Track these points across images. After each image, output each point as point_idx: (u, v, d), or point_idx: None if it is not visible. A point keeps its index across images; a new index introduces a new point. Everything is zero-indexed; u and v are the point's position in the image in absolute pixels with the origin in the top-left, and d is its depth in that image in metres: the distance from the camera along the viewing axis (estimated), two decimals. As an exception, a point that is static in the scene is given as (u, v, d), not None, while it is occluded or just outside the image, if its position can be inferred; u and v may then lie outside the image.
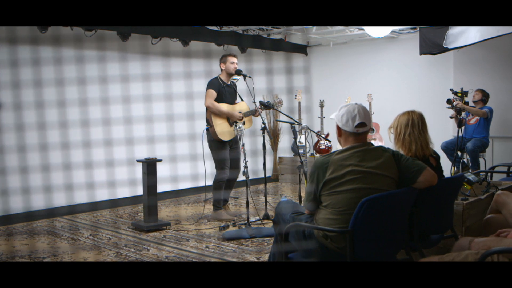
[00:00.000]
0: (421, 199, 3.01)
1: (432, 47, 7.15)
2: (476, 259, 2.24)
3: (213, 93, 5.48)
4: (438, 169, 3.23)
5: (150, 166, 5.31)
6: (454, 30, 6.76)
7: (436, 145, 6.99)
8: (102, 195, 6.65)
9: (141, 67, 7.36)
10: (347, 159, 2.71)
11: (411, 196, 2.82)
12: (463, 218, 3.66)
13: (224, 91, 5.59)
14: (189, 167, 6.85)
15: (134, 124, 7.27)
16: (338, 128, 2.85)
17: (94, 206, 6.49)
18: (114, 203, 6.67)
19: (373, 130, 8.03)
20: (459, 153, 6.91)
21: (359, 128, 2.77)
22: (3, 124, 5.98)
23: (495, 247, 2.31)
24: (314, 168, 2.77)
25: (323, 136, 7.93)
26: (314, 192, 2.77)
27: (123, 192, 6.70)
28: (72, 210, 6.26)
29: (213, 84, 5.54)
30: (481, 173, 5.38)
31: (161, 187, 7.05)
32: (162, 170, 6.94)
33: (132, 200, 6.63)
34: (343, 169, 2.68)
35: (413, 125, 3.12)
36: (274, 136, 8.79)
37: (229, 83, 5.69)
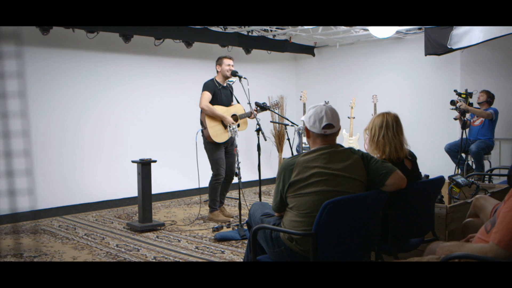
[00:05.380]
0: (396, 201, 2.96)
1: (437, 47, 7.05)
2: (436, 264, 2.19)
3: (208, 95, 5.47)
4: (414, 171, 3.18)
5: (144, 166, 5.34)
6: (459, 31, 6.66)
7: (441, 146, 6.96)
8: (104, 194, 6.73)
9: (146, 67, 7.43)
10: (313, 161, 2.67)
11: (381, 199, 2.77)
12: (447, 222, 3.59)
13: (219, 93, 5.58)
14: (190, 167, 6.87)
15: (136, 124, 7.34)
16: (307, 130, 2.81)
17: (96, 206, 6.55)
18: (115, 203, 6.72)
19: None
20: (463, 155, 6.80)
21: (326, 129, 2.73)
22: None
23: (456, 252, 2.26)
24: (280, 169, 2.75)
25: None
26: (281, 194, 2.75)
27: (124, 192, 6.76)
28: (72, 209, 6.33)
29: (208, 86, 5.54)
30: (475, 176, 5.29)
31: (162, 188, 7.11)
32: (163, 170, 6.99)
33: (133, 200, 6.66)
34: (308, 171, 2.65)
35: (387, 127, 3.06)
36: (279, 137, 8.76)
37: (225, 85, 5.67)
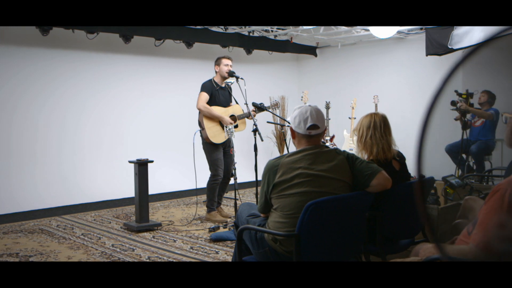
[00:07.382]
0: (384, 202, 2.95)
1: (438, 47, 7.01)
2: (417, 266, 2.18)
3: (205, 95, 5.47)
4: (403, 172, 3.16)
5: (141, 167, 5.35)
6: (459, 31, 6.63)
7: (441, 147, 6.92)
8: (103, 194, 6.75)
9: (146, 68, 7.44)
10: (297, 162, 2.66)
11: (365, 200, 2.75)
12: (438, 223, 3.57)
13: (217, 93, 5.57)
14: (190, 168, 6.88)
15: (136, 124, 7.35)
16: (292, 130, 2.81)
17: (95, 206, 6.58)
18: (114, 203, 6.74)
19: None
20: (464, 156, 6.76)
21: (311, 130, 2.72)
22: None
23: (436, 254, 2.25)
24: (265, 170, 2.74)
25: (328, 138, 7.85)
26: (265, 195, 2.74)
27: (124, 192, 6.77)
28: (72, 209, 6.35)
29: (206, 86, 5.53)
30: (475, 177, 5.26)
31: (162, 188, 7.12)
32: (163, 170, 7.00)
33: (132, 200, 6.67)
34: (292, 172, 2.64)
35: (375, 128, 3.05)
36: (280, 138, 8.75)
37: (223, 85, 5.66)
